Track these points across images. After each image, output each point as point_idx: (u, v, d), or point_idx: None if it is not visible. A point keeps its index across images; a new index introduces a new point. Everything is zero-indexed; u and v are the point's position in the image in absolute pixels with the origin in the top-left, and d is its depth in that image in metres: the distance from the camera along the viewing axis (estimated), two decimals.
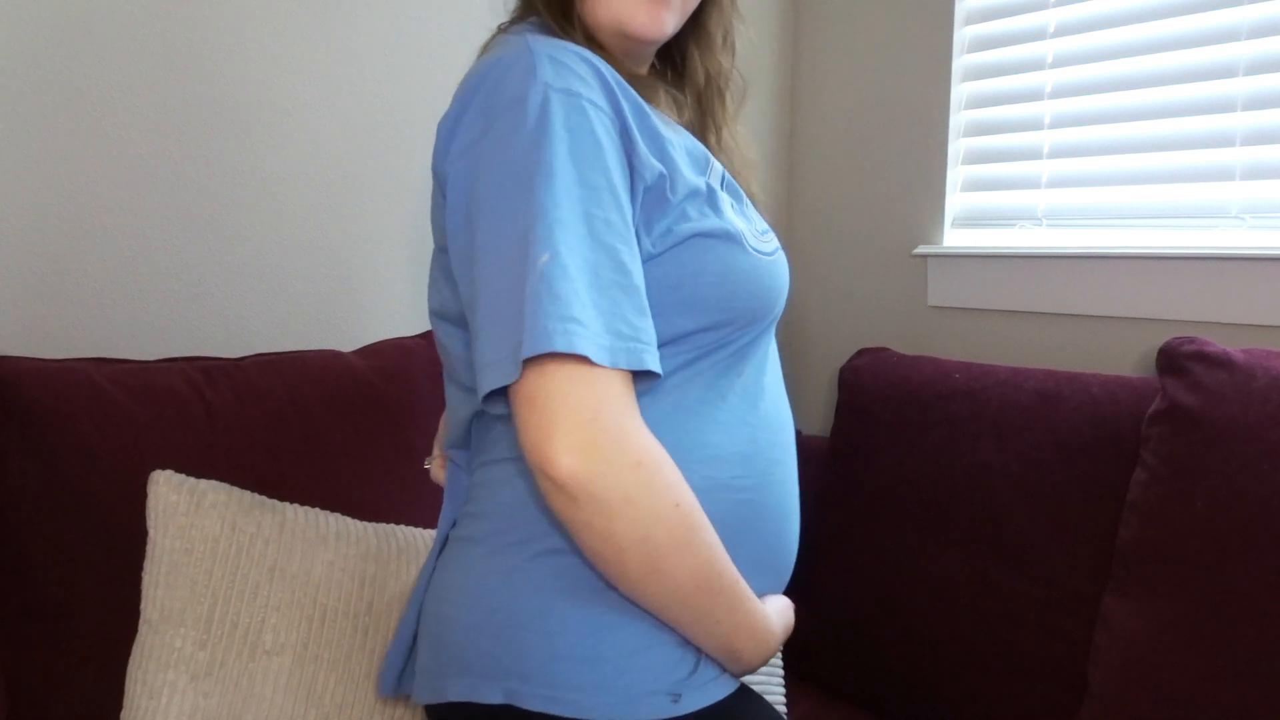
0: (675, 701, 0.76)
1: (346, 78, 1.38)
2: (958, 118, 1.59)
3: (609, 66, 0.79)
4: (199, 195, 1.27)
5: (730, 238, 0.79)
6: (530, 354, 0.68)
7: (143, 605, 0.94)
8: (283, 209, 1.34)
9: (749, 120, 1.79)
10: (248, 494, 1.00)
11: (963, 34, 1.58)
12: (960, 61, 1.58)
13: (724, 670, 0.80)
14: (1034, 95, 1.48)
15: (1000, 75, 1.53)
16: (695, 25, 0.94)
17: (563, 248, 0.70)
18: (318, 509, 1.04)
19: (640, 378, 0.75)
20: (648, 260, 0.77)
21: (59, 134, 1.16)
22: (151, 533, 0.95)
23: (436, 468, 1.02)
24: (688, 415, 0.80)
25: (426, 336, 1.38)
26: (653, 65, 0.96)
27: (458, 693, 0.78)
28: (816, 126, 1.81)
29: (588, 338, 0.68)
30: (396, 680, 0.91)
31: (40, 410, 0.99)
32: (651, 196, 0.77)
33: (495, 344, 0.71)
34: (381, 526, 1.06)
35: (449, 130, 0.79)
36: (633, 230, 0.75)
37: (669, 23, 0.84)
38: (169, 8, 1.23)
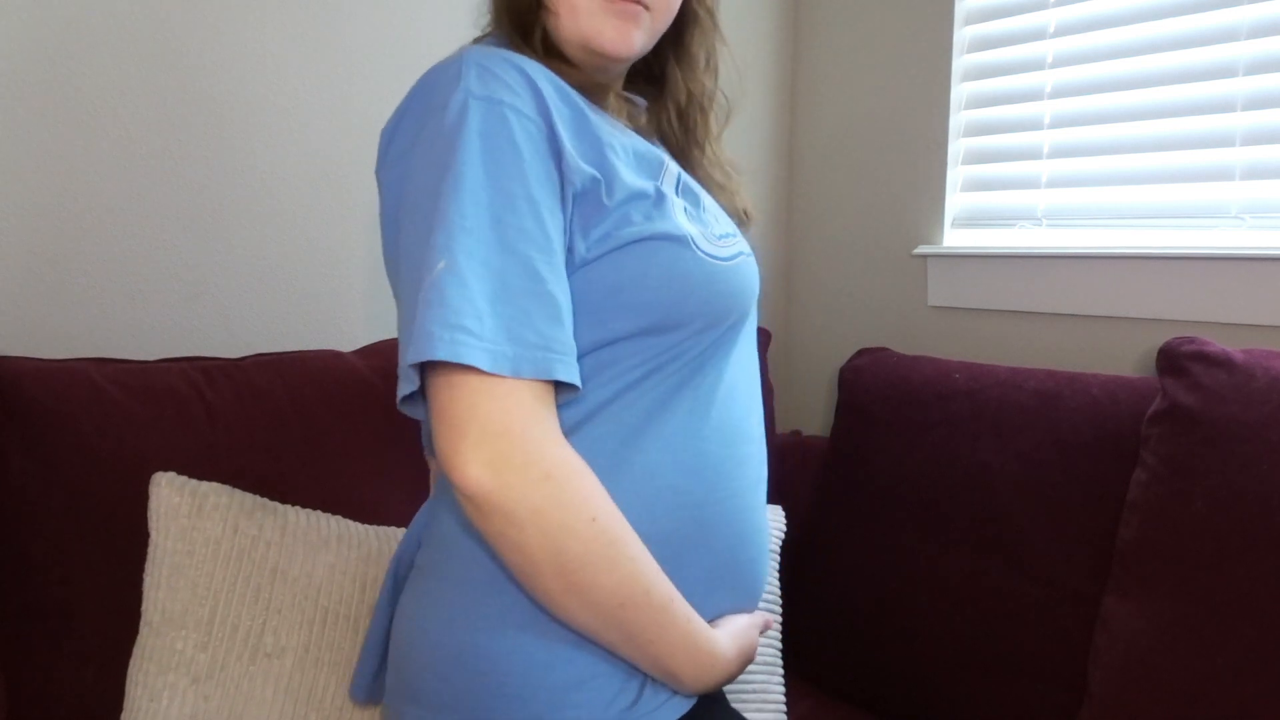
0: None
1: (347, 78, 1.38)
2: (958, 118, 1.59)
3: (549, 73, 0.79)
4: (199, 195, 1.27)
5: (676, 240, 0.78)
6: (414, 360, 0.68)
7: (144, 607, 0.94)
8: (283, 209, 1.34)
9: (749, 121, 1.79)
10: (249, 496, 1.00)
11: (963, 34, 1.58)
12: (960, 61, 1.58)
13: (675, 692, 0.78)
14: (1034, 95, 1.48)
15: (1000, 75, 1.53)
16: (677, 45, 0.93)
17: (461, 254, 0.69)
18: (319, 512, 1.04)
19: (562, 390, 0.74)
20: (585, 265, 0.76)
21: (59, 134, 1.16)
22: (153, 534, 0.95)
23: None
24: (631, 432, 0.78)
25: None
26: (629, 82, 0.95)
27: None
28: (817, 126, 1.81)
29: (478, 347, 0.68)
30: (367, 690, 0.91)
31: (40, 410, 0.99)
32: (585, 202, 0.76)
33: (402, 353, 0.72)
34: (383, 529, 1.06)
35: (386, 139, 0.79)
36: (556, 238, 0.74)
37: (637, 40, 0.83)
38: (169, 9, 1.23)
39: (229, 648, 0.93)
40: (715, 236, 0.83)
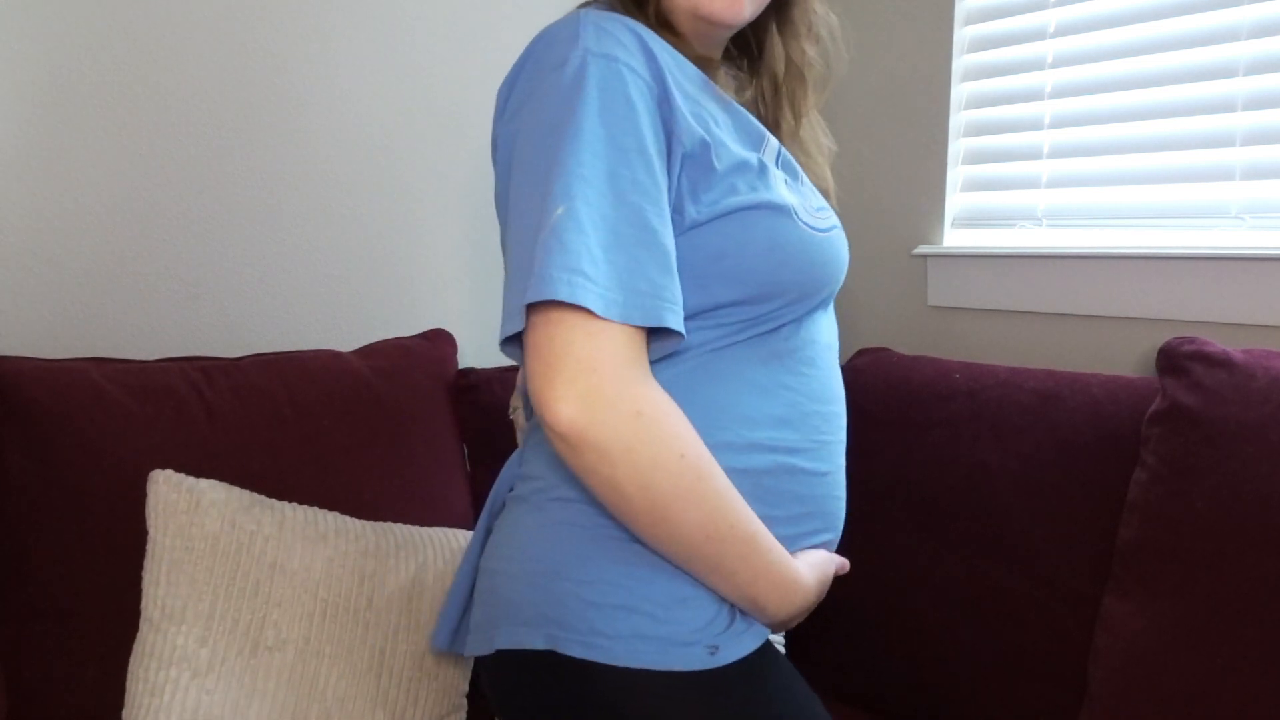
0: (713, 654, 0.77)
1: (346, 80, 1.38)
2: (958, 118, 1.59)
3: (660, 40, 0.81)
4: (199, 195, 1.27)
5: (779, 210, 0.80)
6: (532, 299, 0.70)
7: (143, 604, 0.94)
8: (282, 210, 1.34)
9: None
10: (246, 493, 1.00)
11: (963, 34, 1.58)
12: (960, 61, 1.58)
13: (754, 621, 0.81)
14: (1034, 95, 1.48)
15: (1000, 75, 1.53)
16: (779, 13, 0.96)
17: (579, 202, 0.72)
18: (316, 507, 1.04)
19: (666, 341, 0.76)
20: (693, 228, 0.78)
21: (59, 134, 1.16)
22: (152, 532, 0.95)
23: (519, 419, 1.05)
24: (722, 378, 0.81)
25: (426, 336, 1.38)
26: (728, 51, 0.97)
27: (504, 640, 0.80)
28: None
29: (594, 291, 0.70)
30: (450, 637, 0.93)
31: (40, 410, 0.99)
32: (695, 164, 0.78)
33: (511, 295, 0.74)
34: (381, 525, 1.07)
35: (504, 95, 0.82)
36: (664, 192, 0.76)
37: (746, 8, 0.85)
38: (169, 10, 1.23)
39: (229, 642, 0.93)
40: (813, 209, 0.86)
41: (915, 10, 1.63)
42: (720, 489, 0.76)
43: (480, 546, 0.90)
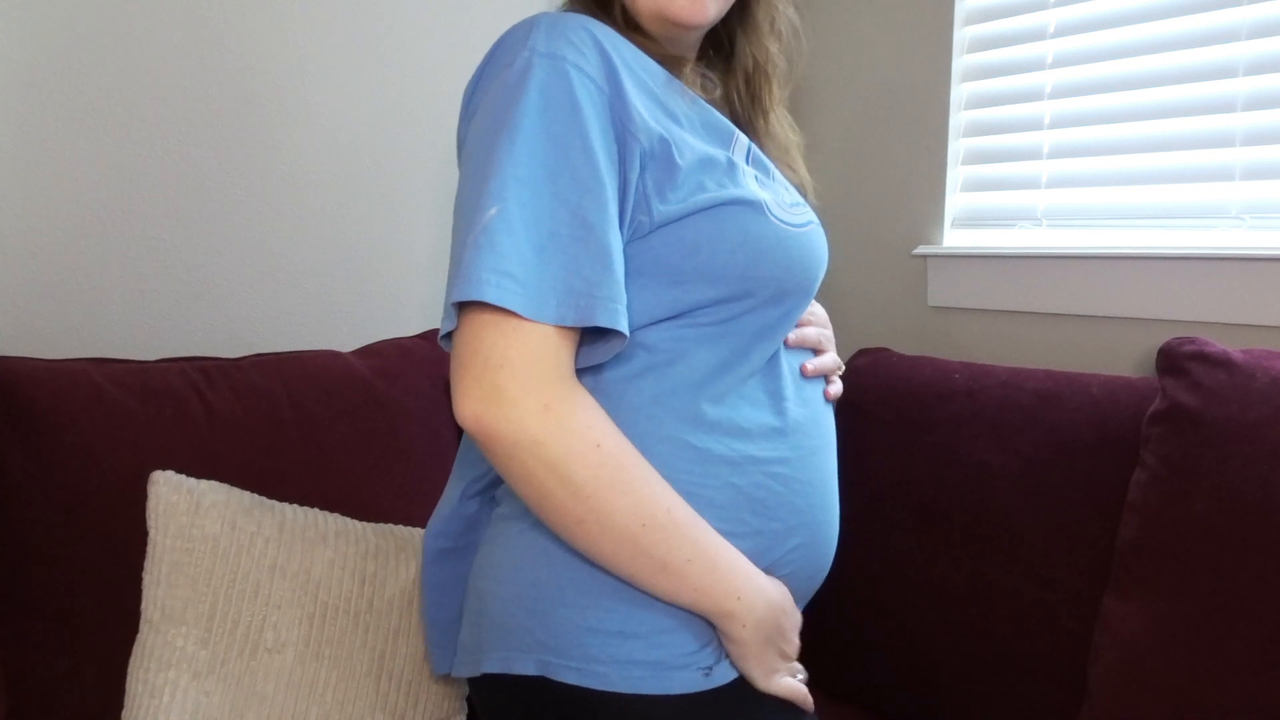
0: (707, 675, 0.76)
1: (348, 80, 1.38)
2: (958, 118, 1.59)
3: (623, 40, 0.81)
4: (199, 195, 1.27)
5: (751, 205, 0.80)
6: (458, 299, 0.71)
7: (143, 605, 0.94)
8: (283, 209, 1.34)
9: None
10: (246, 494, 1.00)
11: (963, 34, 1.58)
12: (960, 61, 1.58)
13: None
14: (1034, 95, 1.48)
15: (1000, 75, 1.53)
16: (742, 11, 0.95)
17: (513, 203, 0.72)
18: (316, 509, 1.04)
19: (612, 341, 0.76)
20: (665, 224, 0.78)
21: (59, 134, 1.16)
22: (152, 533, 0.95)
23: None
24: (707, 384, 0.80)
25: (426, 336, 1.38)
26: (705, 52, 0.97)
27: (493, 665, 0.79)
28: (816, 127, 1.81)
29: (519, 293, 0.70)
30: (448, 660, 0.93)
31: (40, 410, 0.99)
32: (656, 162, 0.78)
33: (446, 294, 0.74)
34: (380, 526, 1.07)
35: (467, 95, 0.82)
36: (608, 189, 0.75)
37: (710, 9, 0.85)
38: (169, 9, 1.23)
39: (229, 644, 0.93)
40: (787, 204, 0.85)
41: (915, 10, 1.63)
42: (647, 476, 0.75)
43: (436, 569, 0.89)
